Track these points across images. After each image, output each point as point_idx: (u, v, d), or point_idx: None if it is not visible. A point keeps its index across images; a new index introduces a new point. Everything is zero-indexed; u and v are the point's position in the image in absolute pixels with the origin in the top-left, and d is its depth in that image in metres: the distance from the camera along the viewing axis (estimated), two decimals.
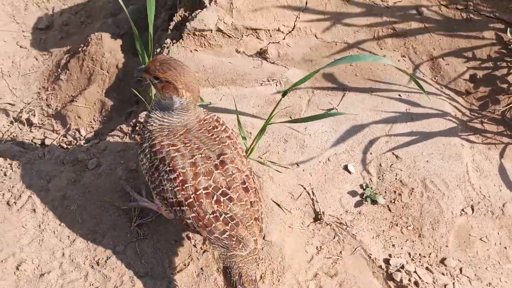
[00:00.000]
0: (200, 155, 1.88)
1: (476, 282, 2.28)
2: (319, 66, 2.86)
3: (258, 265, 2.00)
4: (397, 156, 2.52)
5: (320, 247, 2.29)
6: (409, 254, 2.31)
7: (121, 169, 2.38)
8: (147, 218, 2.26)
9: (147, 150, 1.94)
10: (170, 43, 2.90)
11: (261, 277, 2.16)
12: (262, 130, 2.28)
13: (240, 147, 2.01)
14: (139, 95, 2.73)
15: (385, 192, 2.44)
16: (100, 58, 3.07)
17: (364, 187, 2.43)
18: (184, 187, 1.84)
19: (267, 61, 2.87)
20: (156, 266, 2.16)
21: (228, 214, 1.85)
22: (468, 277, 2.28)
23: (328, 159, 2.50)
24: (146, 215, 2.27)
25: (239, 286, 1.89)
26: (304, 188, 2.42)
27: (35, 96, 3.05)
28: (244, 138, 2.39)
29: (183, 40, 2.86)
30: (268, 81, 2.76)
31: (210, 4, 2.86)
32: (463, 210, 2.43)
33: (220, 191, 1.85)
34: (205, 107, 2.61)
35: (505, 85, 2.84)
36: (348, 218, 2.36)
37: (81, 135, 2.81)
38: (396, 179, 2.46)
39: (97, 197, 2.33)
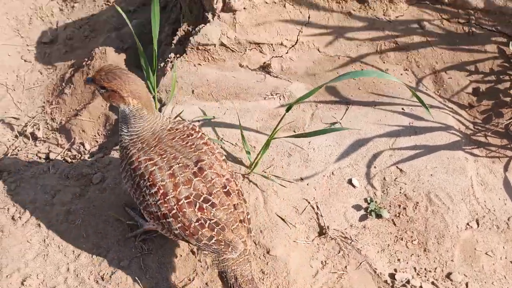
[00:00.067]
0: (177, 165, 1.92)
1: None
2: (322, 80, 2.92)
3: (251, 265, 2.04)
4: (401, 170, 2.56)
5: (325, 261, 2.31)
6: (415, 268, 2.34)
7: None
8: (152, 233, 2.30)
9: (126, 168, 1.99)
10: (173, 57, 2.96)
11: None
12: (267, 145, 2.32)
13: (218, 151, 2.04)
14: None
15: (390, 206, 2.47)
16: None
17: (369, 201, 2.46)
18: (166, 199, 1.89)
19: (270, 75, 2.92)
20: (160, 281, 2.19)
21: (212, 220, 1.89)
22: None
23: (332, 173, 2.53)
24: (150, 230, 2.30)
25: None
26: (309, 202, 2.45)
27: (40, 110, 3.10)
28: (248, 152, 2.43)
29: (186, 54, 2.92)
30: (272, 95, 2.81)
31: (213, 19, 2.93)
32: (468, 224, 2.46)
33: (201, 198, 1.89)
34: (208, 121, 2.66)
35: (508, 99, 2.88)
36: (353, 232, 2.39)
37: (85, 149, 2.85)
38: (400, 193, 2.49)
39: (101, 212, 2.36)
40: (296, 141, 2.58)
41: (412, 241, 2.39)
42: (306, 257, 2.31)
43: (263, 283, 2.21)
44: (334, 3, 3.00)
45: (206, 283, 2.19)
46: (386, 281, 2.29)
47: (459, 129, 2.77)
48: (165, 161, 1.92)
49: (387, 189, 2.51)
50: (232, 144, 2.58)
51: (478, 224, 2.46)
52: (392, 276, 2.31)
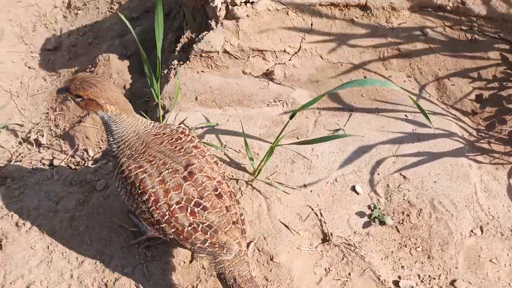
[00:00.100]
0: (167, 171, 1.94)
1: None
2: (325, 87, 2.94)
3: (249, 265, 2.06)
4: (404, 177, 2.57)
5: (329, 268, 2.32)
6: (419, 276, 2.34)
7: None
8: (155, 240, 2.31)
9: (118, 177, 2.02)
10: (177, 64, 3.00)
11: None
12: (270, 152, 2.34)
13: (209, 154, 2.06)
14: (146, 116, 2.81)
15: (393, 213, 2.48)
16: (107, 79, 3.16)
17: (372, 208, 2.47)
18: (157, 206, 1.91)
19: (274, 82, 2.95)
20: None
21: (205, 223, 1.92)
22: None
23: (336, 180, 2.55)
24: (153, 237, 2.31)
25: None
26: (312, 209, 2.46)
27: (44, 116, 3.13)
28: (251, 159, 2.45)
29: (190, 61, 2.95)
30: (275, 102, 2.84)
31: (216, 26, 2.96)
32: (472, 231, 2.47)
33: (193, 203, 1.92)
34: (212, 128, 2.68)
35: (511, 105, 2.90)
36: (357, 239, 2.40)
37: (89, 156, 2.88)
38: (404, 199, 2.51)
39: (105, 219, 2.38)
40: (299, 148, 2.60)
41: (416, 248, 2.40)
42: (310, 264, 2.33)
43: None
44: (336, 11, 3.03)
45: None
46: None
47: (462, 136, 2.79)
48: (155, 168, 1.94)
49: (390, 196, 2.52)
50: (236, 151, 2.60)
51: (482, 231, 2.47)
52: (396, 283, 2.32)
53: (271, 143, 2.61)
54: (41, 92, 3.30)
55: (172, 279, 2.23)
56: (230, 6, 2.92)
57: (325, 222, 2.43)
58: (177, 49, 3.09)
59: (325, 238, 2.40)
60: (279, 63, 2.98)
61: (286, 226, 2.39)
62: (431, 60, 3.00)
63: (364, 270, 2.33)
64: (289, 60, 2.99)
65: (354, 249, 2.37)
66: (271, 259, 2.29)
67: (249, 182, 2.48)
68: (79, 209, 2.43)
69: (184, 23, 3.23)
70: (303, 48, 3.00)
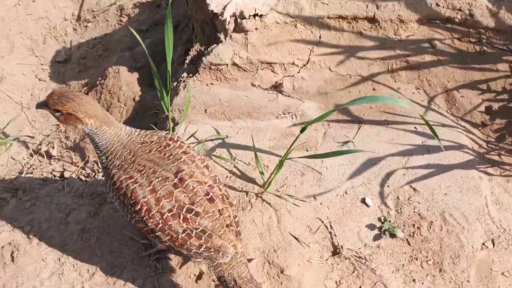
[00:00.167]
0: (157, 179, 1.97)
1: None
2: (334, 99, 2.98)
3: (247, 266, 2.10)
4: (414, 189, 2.59)
5: (339, 281, 2.34)
6: None
7: None
8: (166, 252, 2.34)
9: (111, 188, 2.05)
10: (186, 77, 3.05)
11: None
12: (280, 165, 2.37)
13: (199, 158, 2.08)
14: (155, 127, 2.85)
15: (404, 225, 2.50)
16: (117, 91, 3.22)
17: (382, 221, 2.49)
18: (150, 215, 1.95)
19: (282, 94, 2.99)
20: None
21: (198, 228, 1.95)
22: None
23: (346, 192, 2.58)
24: (164, 249, 2.34)
25: None
26: (322, 222, 2.49)
27: (54, 128, 3.19)
28: (261, 173, 2.48)
29: (199, 74, 3.00)
30: (284, 114, 2.88)
31: (225, 39, 3.02)
32: (483, 244, 2.47)
33: (184, 209, 1.94)
34: (222, 140, 2.72)
35: None
36: (367, 252, 2.42)
37: (99, 168, 2.92)
38: (414, 212, 2.52)
39: (116, 231, 2.42)
40: (309, 160, 2.63)
41: (427, 261, 2.41)
42: (320, 277, 2.34)
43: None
44: (345, 23, 3.08)
45: None
46: None
47: (472, 148, 2.81)
48: (145, 177, 1.97)
49: (400, 208, 2.54)
50: (245, 163, 2.63)
51: (493, 244, 2.48)
52: None
53: (280, 155, 2.65)
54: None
55: None
56: (239, 19, 2.98)
57: (335, 235, 2.45)
58: (186, 61, 3.15)
59: (336, 251, 2.41)
60: (288, 76, 3.03)
61: (296, 239, 2.41)
62: (440, 72, 3.04)
63: (375, 283, 2.34)
64: (298, 72, 3.03)
65: (365, 262, 2.39)
66: (282, 272, 2.31)
67: (259, 195, 2.51)
68: (90, 221, 2.46)
69: (193, 36, 3.29)
70: (312, 60, 3.05)
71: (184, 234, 1.94)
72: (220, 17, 2.98)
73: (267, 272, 2.32)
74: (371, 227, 2.49)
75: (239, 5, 2.97)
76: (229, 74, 3.00)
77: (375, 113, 2.92)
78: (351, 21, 3.07)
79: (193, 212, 1.95)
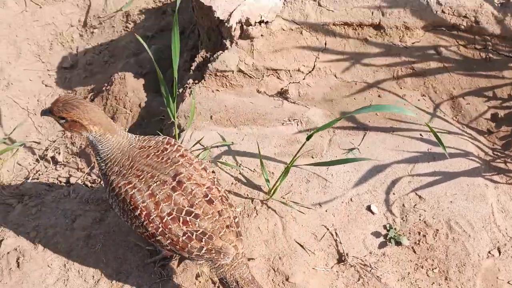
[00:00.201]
0: (155, 184, 1.99)
1: None
2: (339, 106, 2.99)
3: (248, 266, 2.11)
4: (420, 197, 2.60)
5: None
6: None
7: None
8: (171, 259, 2.35)
9: (111, 195, 2.08)
10: (192, 83, 3.07)
11: None
12: (286, 173, 2.39)
13: (196, 161, 2.10)
14: (161, 134, 2.88)
15: (409, 233, 2.50)
16: (123, 97, 3.25)
17: (388, 228, 2.49)
18: (150, 219, 1.97)
19: (288, 101, 3.01)
20: None
21: (198, 230, 1.96)
22: None
23: (351, 200, 2.58)
24: (170, 256, 2.36)
25: None
26: (327, 229, 2.49)
27: (60, 134, 3.22)
28: (267, 180, 2.50)
29: (205, 80, 3.03)
30: (289, 120, 2.89)
31: (231, 46, 3.04)
32: (489, 252, 2.47)
33: (184, 212, 1.96)
34: (227, 147, 2.74)
35: None
36: (372, 259, 2.42)
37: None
38: (420, 220, 2.53)
39: (121, 237, 2.44)
40: (314, 167, 2.64)
41: (433, 269, 2.41)
42: (326, 284, 2.35)
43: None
44: (350, 30, 3.10)
45: None
46: None
47: (478, 155, 2.81)
48: (143, 182, 2.00)
49: (406, 216, 2.55)
50: (251, 170, 2.65)
51: (499, 252, 2.48)
52: None
53: (286, 162, 2.67)
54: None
55: None
56: (244, 26, 3.01)
57: (340, 242, 2.46)
58: (192, 68, 3.17)
59: (341, 258, 2.42)
60: (293, 82, 3.05)
61: (302, 246, 2.42)
62: (446, 79, 3.05)
63: None
64: (303, 79, 3.05)
65: (370, 270, 2.39)
66: (287, 279, 2.32)
67: (264, 201, 2.53)
68: (96, 227, 2.48)
69: (199, 43, 3.32)
70: (317, 67, 3.07)
71: (184, 237, 1.96)
72: (226, 23, 3.00)
73: (272, 280, 2.33)
74: (376, 234, 2.49)
75: (245, 12, 3.00)
76: (235, 80, 3.03)
77: (381, 120, 2.93)
78: (357, 28, 3.09)
79: (193, 214, 1.96)
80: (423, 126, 2.88)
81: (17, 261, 2.36)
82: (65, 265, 2.36)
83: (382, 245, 2.46)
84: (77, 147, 3.11)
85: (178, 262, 2.34)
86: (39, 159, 3.07)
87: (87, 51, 3.79)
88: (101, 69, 3.66)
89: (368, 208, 2.56)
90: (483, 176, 2.71)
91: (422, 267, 2.42)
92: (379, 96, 3.03)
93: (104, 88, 3.31)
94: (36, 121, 3.31)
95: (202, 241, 1.96)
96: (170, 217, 1.95)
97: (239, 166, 2.66)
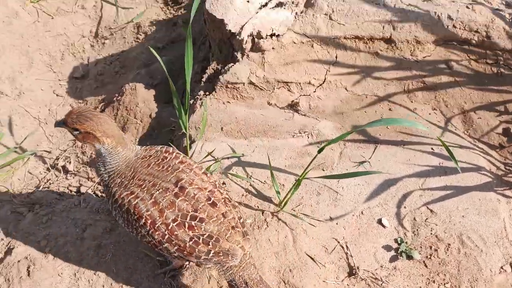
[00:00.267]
0: (157, 191, 2.03)
1: None
2: (350, 119, 3.05)
3: (256, 267, 2.16)
4: (431, 211, 2.63)
5: None
6: None
7: None
8: (181, 269, 2.40)
9: (114, 206, 2.12)
10: (203, 94, 3.15)
11: None
12: (297, 185, 2.44)
13: (196, 166, 2.15)
14: (172, 144, 2.94)
15: (421, 247, 2.53)
16: (134, 107, 3.33)
17: (399, 242, 2.53)
18: (156, 227, 2.01)
19: (299, 113, 3.07)
20: None
21: (205, 234, 2.00)
22: None
23: (362, 213, 2.62)
24: (180, 267, 2.40)
25: None
26: (338, 242, 2.53)
27: (71, 143, 3.29)
28: (278, 192, 2.55)
29: (216, 92, 3.10)
30: (300, 133, 2.95)
31: (242, 58, 3.12)
32: (502, 267, 2.49)
33: (188, 217, 2.00)
34: (238, 158, 2.79)
35: None
36: (383, 273, 2.45)
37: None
38: (431, 234, 2.56)
39: (131, 247, 2.48)
40: (325, 180, 2.69)
41: (444, 284, 2.44)
42: None
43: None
44: (361, 44, 3.18)
45: None
46: None
47: (490, 170, 2.85)
48: (146, 191, 2.04)
49: (417, 230, 2.58)
50: (261, 182, 2.70)
51: None
52: None
53: (296, 174, 2.72)
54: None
55: None
56: (256, 39, 3.09)
57: (351, 255, 2.49)
58: (203, 79, 3.25)
59: (352, 272, 2.45)
60: (304, 95, 3.12)
61: (312, 259, 2.45)
62: (457, 93, 3.11)
63: None
64: (314, 91, 3.12)
65: (381, 284, 2.42)
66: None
67: (274, 213, 2.57)
68: (106, 237, 2.54)
69: (210, 55, 3.41)
70: (328, 80, 3.14)
71: (191, 242, 2.00)
72: (237, 36, 3.09)
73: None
74: (387, 248, 2.53)
75: (257, 25, 3.08)
76: (246, 92, 3.10)
77: (391, 133, 2.99)
78: (368, 42, 3.17)
79: (197, 218, 2.01)
80: (434, 140, 2.93)
81: (27, 269, 2.41)
82: (75, 274, 2.41)
83: (393, 259, 2.49)
84: (87, 157, 3.18)
85: (188, 273, 2.38)
86: (50, 168, 3.14)
87: (98, 61, 3.89)
88: (112, 80, 3.75)
89: (379, 222, 2.60)
90: (495, 190, 2.74)
91: (434, 282, 2.44)
92: (390, 109, 3.09)
93: (115, 99, 3.39)
94: (47, 130, 3.39)
95: (209, 245, 2.00)
96: (176, 223, 1.99)
97: (250, 178, 2.71)
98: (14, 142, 3.25)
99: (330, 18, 3.16)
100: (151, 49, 2.90)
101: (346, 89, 3.14)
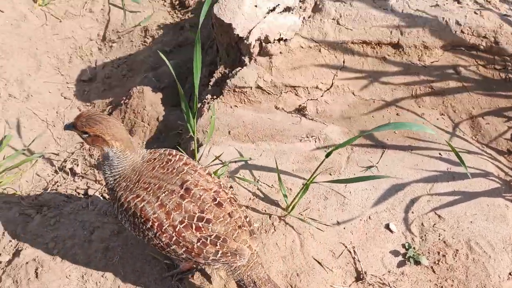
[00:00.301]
0: (163, 194, 2.05)
1: None
2: (357, 123, 3.07)
3: (263, 266, 2.18)
4: (439, 216, 2.64)
5: None
6: None
7: None
8: (189, 272, 2.41)
9: (119, 210, 2.14)
10: (210, 98, 3.18)
11: None
12: (305, 189, 2.45)
13: (200, 167, 2.18)
14: (179, 147, 2.97)
15: (429, 252, 2.54)
16: (141, 110, 3.36)
17: (407, 247, 2.54)
18: (163, 230, 2.03)
19: (306, 117, 3.10)
20: None
21: (212, 235, 2.02)
22: None
23: (369, 217, 2.64)
24: (187, 270, 2.42)
25: None
26: (345, 246, 2.54)
27: (78, 146, 3.33)
28: (285, 196, 2.57)
29: (223, 96, 3.13)
30: (307, 137, 2.97)
31: (250, 63, 3.15)
32: (510, 273, 2.50)
33: (195, 218, 2.02)
34: (245, 162, 2.82)
35: None
36: (391, 278, 2.46)
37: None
38: (439, 239, 2.57)
39: (139, 250, 2.51)
40: (332, 184, 2.70)
41: None
42: None
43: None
44: (368, 48, 3.20)
45: None
46: None
47: (498, 176, 2.86)
48: (151, 194, 2.06)
49: (425, 235, 2.59)
50: (269, 186, 2.72)
51: None
52: None
53: (303, 178, 2.74)
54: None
55: None
56: (263, 44, 3.12)
57: (358, 260, 2.50)
58: (211, 83, 3.28)
59: (359, 277, 2.46)
60: (312, 99, 3.14)
61: (319, 263, 2.47)
62: (465, 99, 3.12)
63: None
64: (321, 96, 3.14)
65: None
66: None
67: (282, 218, 2.59)
68: (114, 239, 2.56)
69: (218, 59, 3.44)
70: (335, 84, 3.16)
71: (199, 243, 2.02)
72: (245, 41, 3.12)
73: None
74: (395, 253, 2.54)
75: (264, 30, 3.11)
76: (253, 96, 3.13)
77: (399, 138, 3.00)
78: (375, 47, 3.19)
79: (204, 219, 2.03)
80: (442, 145, 2.94)
81: (35, 271, 2.43)
82: (83, 276, 2.43)
83: (400, 264, 2.50)
84: (95, 159, 3.21)
85: (196, 276, 2.40)
86: (57, 170, 3.17)
87: (105, 64, 3.93)
88: (119, 83, 3.79)
89: (387, 227, 2.61)
90: (504, 196, 2.75)
91: None
92: (397, 114, 3.10)
93: (122, 102, 3.42)
94: (55, 132, 3.43)
95: (217, 245, 2.02)
96: (183, 225, 2.01)
97: (257, 182, 2.73)
98: (22, 144, 3.29)
99: (338, 23, 3.19)
100: (160, 53, 2.93)
101: (353, 93, 3.17)
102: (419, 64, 3.18)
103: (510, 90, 3.10)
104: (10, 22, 3.85)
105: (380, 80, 3.18)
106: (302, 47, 3.17)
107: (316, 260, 2.47)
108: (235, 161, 2.82)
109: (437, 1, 3.26)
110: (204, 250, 2.02)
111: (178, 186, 2.07)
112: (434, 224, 2.62)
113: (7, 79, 3.55)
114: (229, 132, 2.99)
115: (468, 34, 3.13)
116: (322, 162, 2.40)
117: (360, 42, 3.19)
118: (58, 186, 3.04)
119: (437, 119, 3.10)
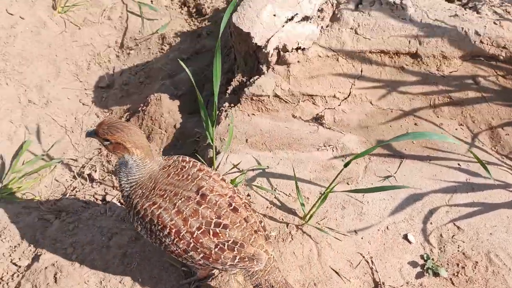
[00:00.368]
0: (180, 201, 2.07)
1: None
2: (375, 133, 3.09)
3: (280, 270, 2.20)
4: (458, 227, 2.64)
5: None
6: None
7: None
8: (205, 280, 2.44)
9: (135, 218, 2.16)
10: (228, 106, 3.22)
11: None
12: (324, 199, 2.47)
13: (214, 173, 2.20)
14: (197, 155, 3.01)
15: (447, 264, 2.53)
16: (159, 117, 3.41)
17: (425, 258, 2.53)
18: (180, 236, 2.05)
19: (323, 126, 3.12)
20: None
21: (229, 240, 2.04)
22: None
23: (387, 228, 2.64)
24: (205, 278, 2.44)
25: None
26: (363, 257, 2.55)
27: (96, 152, 3.39)
28: (302, 204, 2.58)
29: (241, 104, 3.17)
30: (325, 146, 2.99)
31: (268, 71, 3.19)
32: None
33: (213, 224, 2.04)
34: (263, 171, 2.84)
35: None
36: None
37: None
38: (458, 251, 2.56)
39: (156, 257, 2.54)
40: (350, 194, 2.72)
41: None
42: None
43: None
44: (386, 58, 3.22)
45: None
46: None
47: None
48: (168, 201, 2.09)
49: (444, 247, 2.59)
50: (286, 194, 2.74)
51: None
52: None
53: (321, 187, 2.75)
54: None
55: None
56: (281, 52, 3.16)
57: (376, 271, 2.50)
58: (228, 91, 3.33)
59: (377, 287, 2.46)
60: (329, 108, 3.16)
61: (337, 273, 2.47)
62: (484, 109, 3.12)
63: None
64: (339, 105, 3.17)
65: None
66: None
67: (299, 226, 2.60)
68: (132, 246, 2.59)
69: (235, 67, 3.48)
70: (353, 93, 3.18)
71: (217, 249, 2.04)
72: (263, 49, 3.16)
73: None
74: (413, 264, 2.54)
75: (283, 39, 3.15)
76: (271, 105, 3.16)
77: (417, 148, 3.01)
78: (393, 56, 3.21)
79: (222, 225, 2.05)
80: (461, 156, 2.94)
81: (54, 276, 2.47)
82: (101, 282, 2.46)
83: (419, 275, 2.50)
84: (112, 166, 3.26)
85: (213, 283, 2.42)
86: (76, 176, 3.23)
87: (123, 71, 4.00)
88: (137, 90, 3.85)
89: (405, 237, 2.61)
90: None
91: None
92: (415, 124, 3.11)
93: (140, 109, 3.48)
94: (73, 138, 3.50)
95: (234, 251, 2.05)
96: (200, 231, 2.04)
97: (274, 190, 2.75)
98: (41, 150, 3.36)
99: (356, 33, 3.22)
100: (180, 60, 2.98)
101: (371, 103, 3.18)
102: (437, 74, 3.19)
103: None
104: (30, 29, 3.95)
105: (398, 90, 3.19)
106: (320, 56, 3.20)
107: (334, 270, 2.48)
108: (253, 169, 2.85)
109: (456, 11, 3.27)
110: (222, 256, 2.05)
111: (194, 193, 2.10)
112: (453, 235, 2.62)
113: (27, 85, 3.64)
114: (246, 140, 3.02)
115: (487, 44, 3.14)
116: (341, 171, 2.41)
117: (378, 52, 3.21)
118: (76, 191, 3.10)
119: (456, 129, 3.10)
